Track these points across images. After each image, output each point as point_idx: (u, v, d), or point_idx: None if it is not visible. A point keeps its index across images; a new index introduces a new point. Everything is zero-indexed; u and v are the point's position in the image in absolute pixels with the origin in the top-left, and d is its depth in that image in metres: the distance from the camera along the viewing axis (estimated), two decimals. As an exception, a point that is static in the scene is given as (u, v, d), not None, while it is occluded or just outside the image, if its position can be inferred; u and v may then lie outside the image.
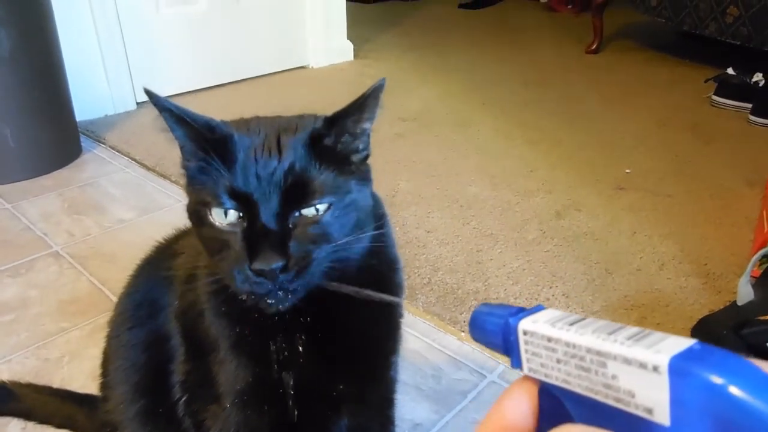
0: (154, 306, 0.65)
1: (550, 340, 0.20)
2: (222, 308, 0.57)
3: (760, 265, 1.10)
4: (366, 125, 0.54)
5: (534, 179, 1.66)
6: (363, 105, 0.52)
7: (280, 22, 2.53)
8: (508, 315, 0.22)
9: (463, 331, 1.08)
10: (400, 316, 0.64)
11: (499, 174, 1.69)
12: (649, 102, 2.28)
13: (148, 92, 0.50)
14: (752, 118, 2.04)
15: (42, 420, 0.87)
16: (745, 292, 1.05)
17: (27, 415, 0.87)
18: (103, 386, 0.71)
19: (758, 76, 2.09)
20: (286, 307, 0.51)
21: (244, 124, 0.54)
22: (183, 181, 0.56)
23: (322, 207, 0.50)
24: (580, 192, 1.59)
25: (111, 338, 0.69)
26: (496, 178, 1.67)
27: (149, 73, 2.15)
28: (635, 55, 2.88)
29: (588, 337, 0.19)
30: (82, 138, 1.84)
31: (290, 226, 0.49)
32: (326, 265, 0.51)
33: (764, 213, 1.29)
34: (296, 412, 0.59)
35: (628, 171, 1.71)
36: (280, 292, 0.49)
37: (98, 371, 0.73)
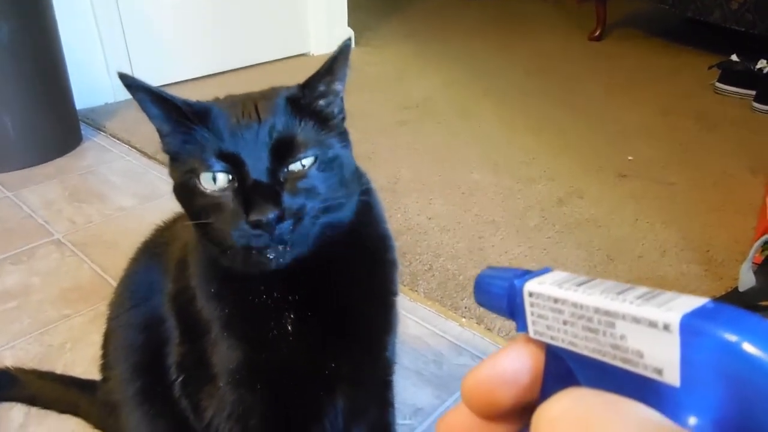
0: (152, 288, 0.66)
1: (556, 301, 0.19)
2: (212, 290, 0.58)
3: (762, 251, 1.10)
4: (338, 86, 0.56)
5: (536, 166, 1.65)
6: (332, 66, 0.54)
7: (281, 9, 2.51)
8: (514, 277, 0.21)
9: (464, 317, 1.08)
10: (394, 294, 0.63)
11: (501, 161, 1.68)
12: (652, 89, 2.27)
13: (121, 75, 0.51)
14: (756, 105, 2.03)
15: (45, 405, 0.87)
16: (746, 279, 1.05)
17: (30, 400, 0.88)
18: (103, 367, 0.71)
19: (762, 63, 2.08)
20: (286, 262, 0.51)
21: (219, 100, 0.56)
22: (168, 166, 0.56)
23: (307, 161, 0.51)
24: (582, 179, 1.58)
25: (111, 319, 0.70)
26: (498, 165, 1.66)
27: (149, 60, 2.14)
28: (638, 42, 2.86)
29: (596, 297, 0.18)
30: (83, 126, 1.84)
31: (281, 180, 0.50)
32: (320, 226, 0.52)
33: (767, 200, 1.28)
34: (289, 391, 0.59)
35: (630, 158, 1.70)
36: (279, 246, 0.50)
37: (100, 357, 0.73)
